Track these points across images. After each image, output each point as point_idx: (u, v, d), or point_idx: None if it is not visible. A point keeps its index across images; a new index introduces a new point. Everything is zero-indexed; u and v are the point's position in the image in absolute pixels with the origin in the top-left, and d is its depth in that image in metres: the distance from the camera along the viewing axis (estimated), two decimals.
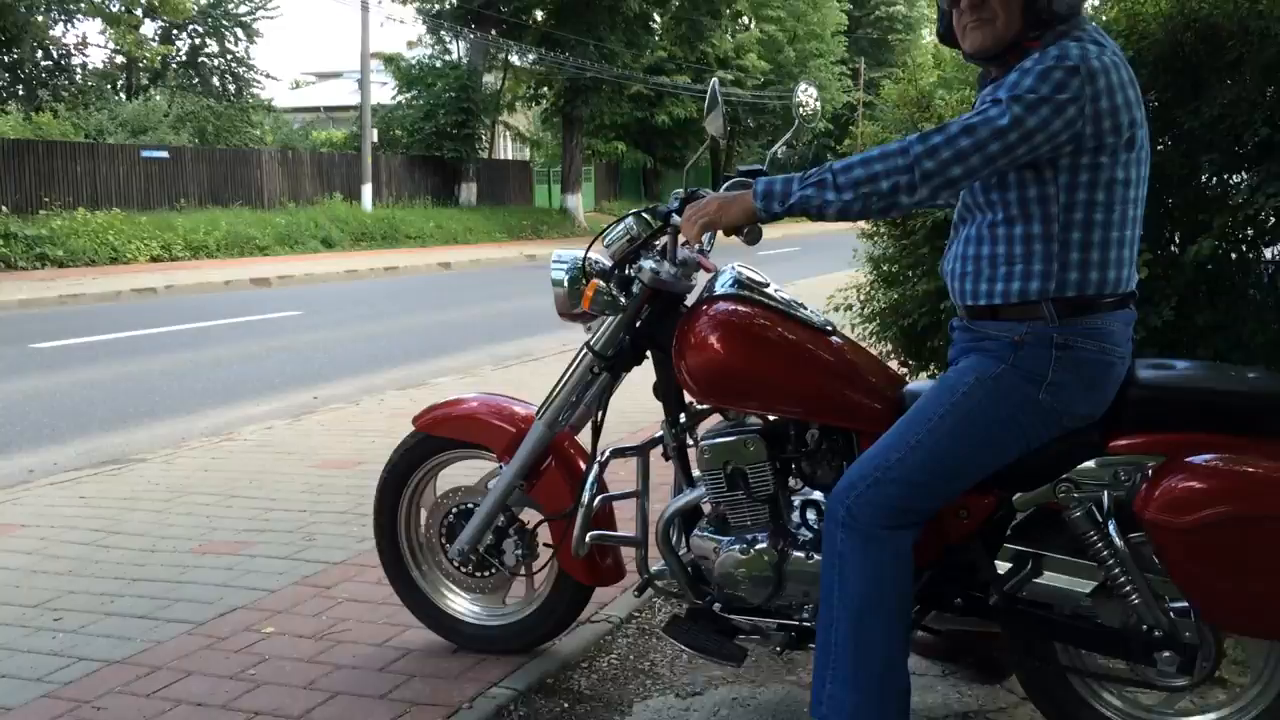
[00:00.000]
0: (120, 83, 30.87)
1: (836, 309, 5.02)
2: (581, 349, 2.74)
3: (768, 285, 2.58)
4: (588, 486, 2.73)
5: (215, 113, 28.00)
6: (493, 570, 2.97)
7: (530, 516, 2.96)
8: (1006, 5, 2.13)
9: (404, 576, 3.14)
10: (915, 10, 47.87)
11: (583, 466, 2.81)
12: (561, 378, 2.78)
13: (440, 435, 3.03)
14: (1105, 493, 2.20)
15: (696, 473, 2.60)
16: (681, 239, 2.51)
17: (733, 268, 2.63)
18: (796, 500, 2.57)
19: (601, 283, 2.60)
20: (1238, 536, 2.02)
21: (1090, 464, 2.22)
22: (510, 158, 37.68)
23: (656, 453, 2.75)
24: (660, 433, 2.70)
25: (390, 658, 3.05)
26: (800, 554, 2.46)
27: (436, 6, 29.43)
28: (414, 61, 30.06)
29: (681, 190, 2.59)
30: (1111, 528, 2.18)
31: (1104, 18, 4.17)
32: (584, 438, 2.89)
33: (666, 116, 32.53)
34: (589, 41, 28.85)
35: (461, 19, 28.85)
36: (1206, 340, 3.86)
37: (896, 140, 2.18)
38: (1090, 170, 2.10)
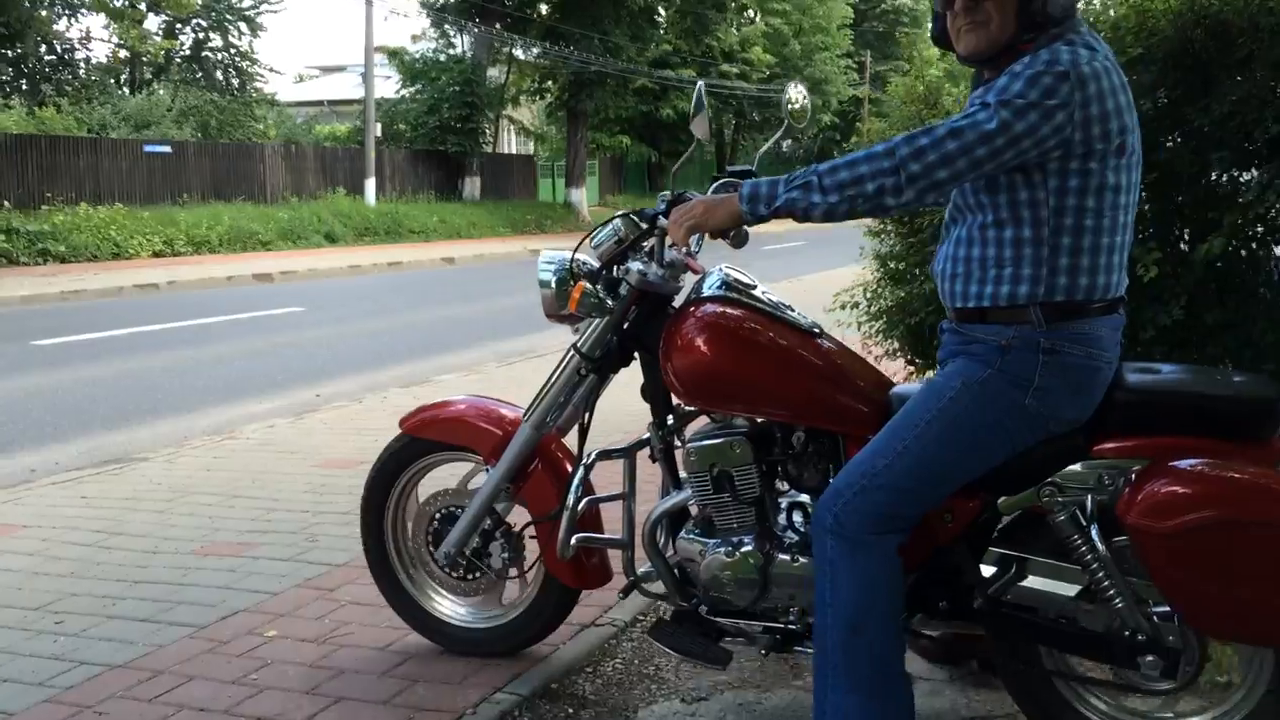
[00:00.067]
0: (124, 77, 30.87)
1: (843, 307, 4.98)
2: (569, 351, 2.74)
3: (755, 287, 2.58)
4: (573, 489, 2.72)
5: (218, 107, 27.99)
6: (479, 573, 2.96)
7: (517, 519, 2.95)
8: (1001, 8, 2.12)
9: (391, 579, 3.14)
10: (921, 3, 47.75)
11: (569, 469, 2.81)
12: (548, 380, 2.78)
13: (427, 438, 3.02)
14: (1089, 496, 2.20)
15: (683, 475, 2.59)
16: (669, 241, 2.49)
17: (720, 269, 2.62)
18: (783, 503, 2.57)
19: (588, 285, 2.59)
20: (1220, 541, 2.01)
21: (1075, 468, 2.21)
22: (514, 152, 37.63)
23: (644, 455, 2.74)
24: (647, 435, 2.69)
25: (393, 662, 3.03)
26: (786, 557, 2.46)
27: (441, 0, 29.36)
28: (418, 55, 30.02)
29: (669, 193, 2.58)
30: (1094, 532, 2.18)
31: (1112, 13, 4.13)
32: (572, 440, 2.87)
33: (671, 110, 32.47)
34: (593, 35, 28.78)
35: (466, 12, 28.78)
36: (1216, 339, 3.83)
37: (882, 142, 2.16)
38: (1080, 175, 2.08)
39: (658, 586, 2.67)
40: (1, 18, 21.17)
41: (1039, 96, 2.02)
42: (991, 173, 2.09)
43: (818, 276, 13.56)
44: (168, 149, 22.18)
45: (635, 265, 2.58)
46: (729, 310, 2.49)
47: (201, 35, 31.62)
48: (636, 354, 2.68)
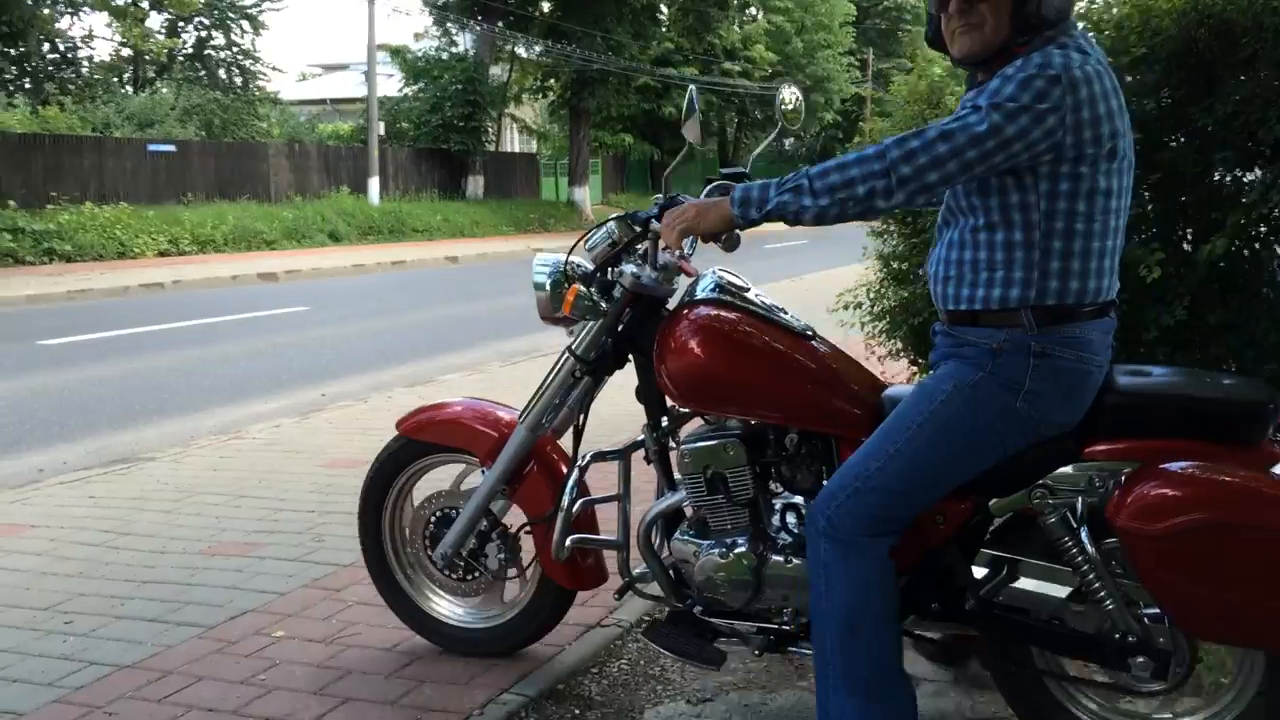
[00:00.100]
0: (127, 75, 30.90)
1: (846, 307, 4.99)
2: (563, 353, 2.75)
3: (748, 289, 2.59)
4: (567, 491, 2.74)
5: (222, 105, 28.00)
6: (476, 574, 2.98)
7: (514, 520, 2.97)
8: (995, 10, 2.13)
9: (388, 579, 3.16)
10: (924, 1, 47.71)
11: (565, 470, 2.82)
12: (543, 382, 2.80)
13: (423, 439, 3.04)
14: (1080, 499, 2.21)
15: (678, 476, 2.60)
16: (662, 244, 2.51)
17: (713, 272, 2.64)
18: (777, 504, 2.58)
19: (582, 287, 2.61)
20: (1209, 544, 2.02)
21: (1066, 470, 2.22)
22: (517, 150, 37.62)
23: (639, 456, 2.76)
24: (642, 436, 2.71)
25: (400, 663, 3.05)
26: (779, 558, 2.47)
27: None
28: (420, 54, 30.00)
29: (661, 196, 2.60)
30: (1084, 534, 2.19)
31: (1115, 11, 4.13)
32: (567, 442, 2.89)
33: (674, 108, 32.33)
34: (596, 33, 28.76)
35: (468, 11, 28.77)
36: (1219, 339, 3.83)
37: (873, 145, 2.17)
38: (1071, 179, 2.09)
39: (653, 588, 2.70)
40: (4, 16, 21.19)
41: (1030, 100, 2.02)
42: (982, 175, 2.09)
43: (820, 275, 13.57)
44: (172, 148, 22.20)
45: (629, 268, 2.60)
46: (722, 313, 2.51)
47: (204, 33, 31.65)
48: (631, 356, 2.70)
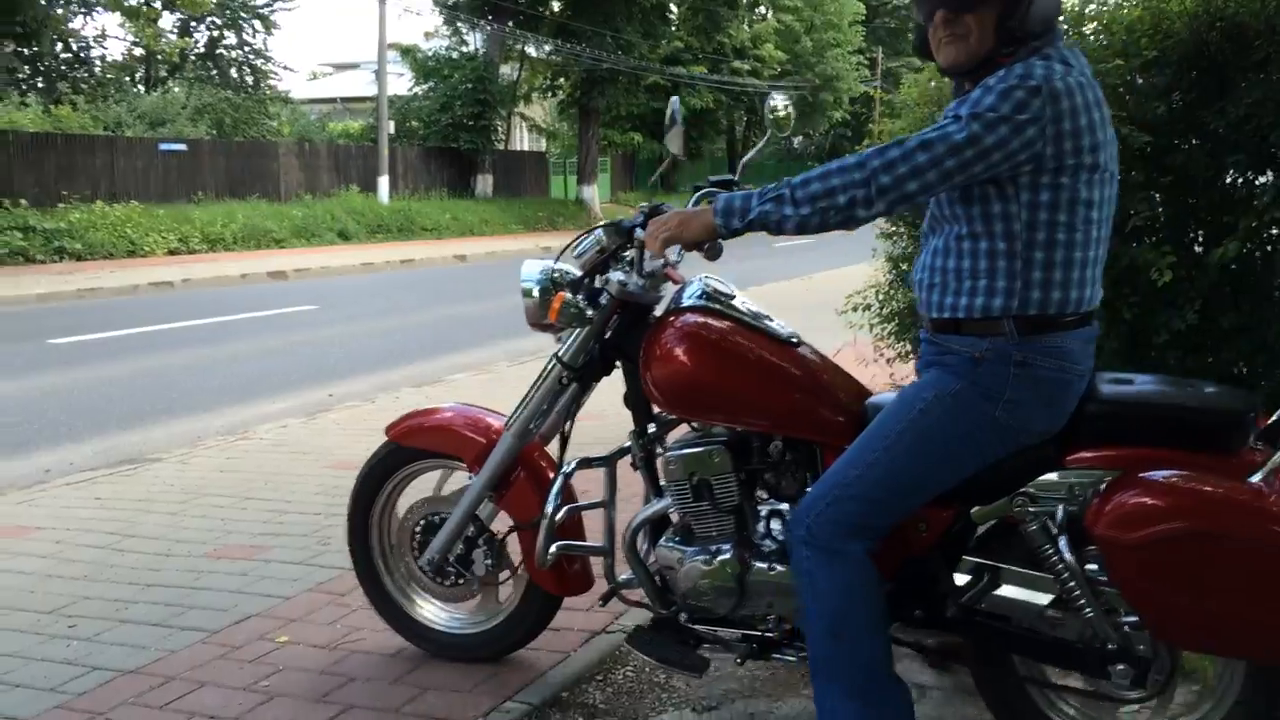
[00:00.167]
0: (139, 75, 31.00)
1: (855, 308, 4.97)
2: (550, 359, 2.75)
3: (734, 297, 2.59)
4: (551, 497, 2.74)
5: (233, 105, 28.06)
6: (463, 580, 2.98)
7: (501, 526, 2.96)
8: (980, 21, 2.13)
9: (377, 584, 3.16)
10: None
11: (552, 476, 2.82)
12: (531, 388, 2.79)
13: (412, 445, 3.04)
14: (1060, 507, 2.21)
15: (664, 483, 2.60)
16: (647, 252, 2.51)
17: (700, 279, 2.64)
18: (762, 511, 2.59)
19: (569, 295, 2.62)
20: (1187, 554, 2.02)
21: (1048, 477, 2.23)
22: (526, 149, 37.64)
23: (625, 463, 2.76)
24: (628, 443, 2.71)
25: (404, 669, 3.03)
26: (763, 565, 2.48)
27: None
28: (431, 53, 30.01)
29: (646, 204, 2.61)
30: (1063, 542, 2.19)
31: (1125, 13, 4.10)
32: (555, 448, 2.88)
33: (683, 107, 32.38)
34: (605, 32, 28.73)
35: (478, 10, 28.78)
36: (1231, 343, 3.81)
37: (853, 155, 2.19)
38: (1052, 190, 2.10)
39: (638, 594, 2.70)
40: (17, 17, 21.25)
41: (1010, 111, 2.03)
42: (962, 184, 2.10)
43: (828, 274, 13.54)
44: (183, 147, 22.24)
45: (616, 275, 2.61)
46: (708, 320, 2.51)
47: (216, 33, 31.74)
48: (619, 363, 2.70)
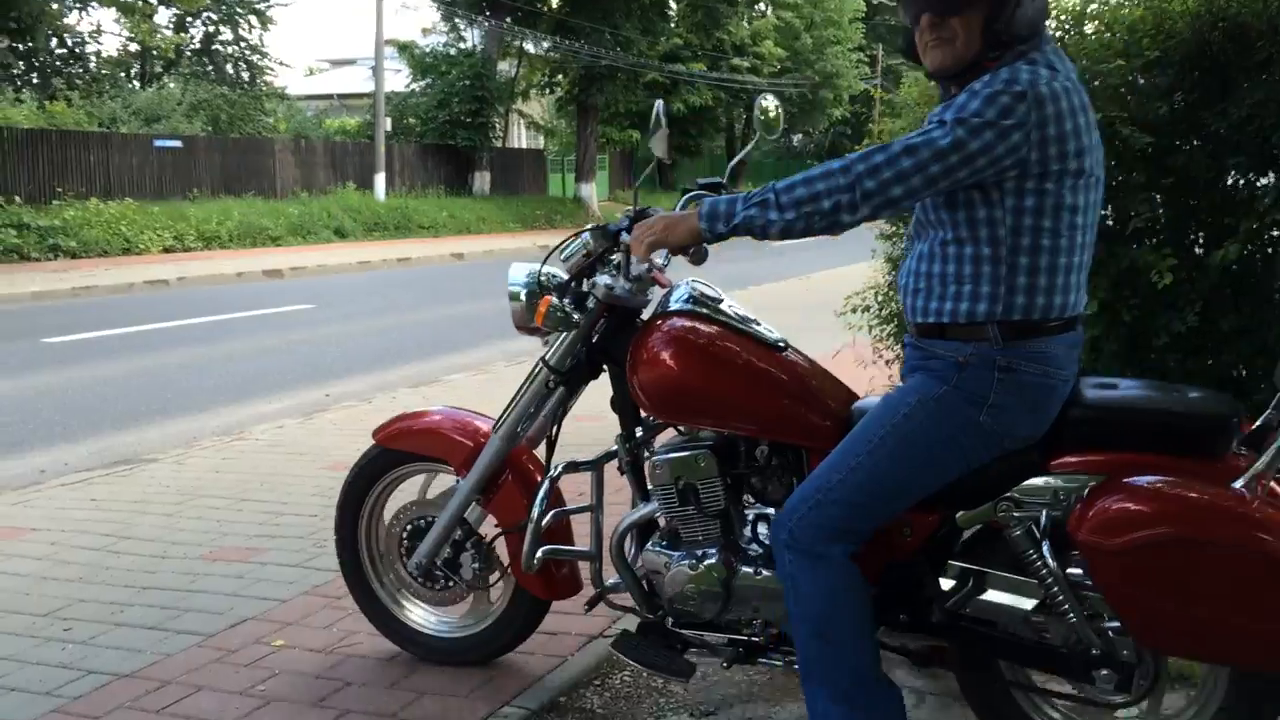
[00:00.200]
0: (134, 70, 30.93)
1: (854, 310, 4.95)
2: (537, 363, 2.74)
3: (721, 301, 2.59)
4: (537, 502, 2.73)
5: (229, 101, 28.00)
6: (450, 583, 2.97)
7: (490, 529, 2.95)
8: (966, 25, 2.13)
9: (364, 587, 3.15)
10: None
11: (539, 480, 2.81)
12: (518, 391, 2.79)
13: (399, 449, 3.03)
14: (1044, 512, 2.21)
15: (650, 487, 2.60)
16: (633, 256, 2.50)
17: (687, 283, 2.64)
18: (749, 515, 2.59)
19: (555, 299, 2.61)
20: (1169, 559, 2.02)
21: (1033, 482, 2.23)
22: (524, 146, 37.59)
23: (612, 466, 2.75)
24: (615, 447, 2.70)
25: (401, 673, 3.02)
26: (749, 569, 2.48)
27: None
28: (428, 49, 29.98)
29: (631, 208, 2.60)
30: (1045, 547, 2.19)
31: (1127, 13, 4.08)
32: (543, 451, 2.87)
33: (682, 105, 32.35)
34: (604, 29, 28.70)
35: (476, 6, 28.74)
36: (1231, 345, 3.80)
37: (838, 159, 2.18)
38: (1036, 195, 2.09)
39: (624, 598, 2.70)
40: (12, 12, 21.20)
41: (995, 116, 2.03)
42: (947, 189, 2.10)
43: (828, 274, 13.53)
44: (178, 144, 22.19)
45: (602, 279, 2.60)
46: (694, 324, 2.51)
47: (212, 29, 31.68)
48: (606, 366, 2.70)
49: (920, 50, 2.23)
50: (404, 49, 29.87)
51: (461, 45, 30.03)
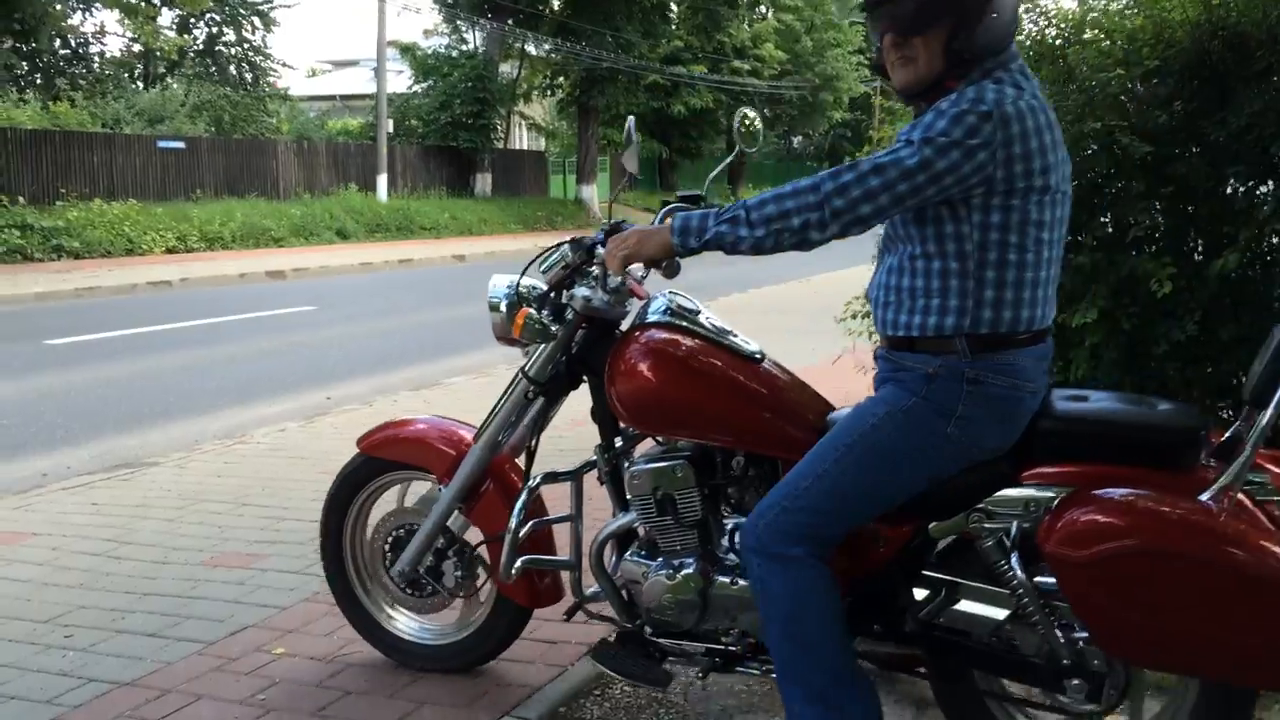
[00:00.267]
0: (138, 71, 30.95)
1: (854, 316, 4.95)
2: (517, 374, 2.76)
3: (699, 313, 2.61)
4: (515, 513, 2.74)
5: (231, 102, 28.03)
6: (433, 591, 2.98)
7: (476, 537, 2.96)
8: (927, 45, 2.16)
9: (349, 595, 3.16)
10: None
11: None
12: (498, 401, 2.80)
13: (381, 457, 3.05)
14: (1015, 523, 2.22)
15: (629, 497, 2.62)
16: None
17: (665, 295, 2.66)
18: (727, 525, 2.60)
19: (533, 311, 2.64)
20: (1135, 571, 2.03)
21: (1006, 493, 2.24)
22: (525, 148, 37.60)
23: (591, 476, 2.77)
24: (594, 457, 2.72)
25: (401, 683, 3.02)
26: (726, 579, 2.50)
27: None
28: (430, 51, 29.99)
29: (607, 221, 2.63)
30: (1014, 559, 2.21)
31: (1128, 24, 4.09)
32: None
33: (683, 107, 32.34)
34: (605, 31, 28.70)
35: (478, 8, 28.75)
36: (1230, 354, 3.80)
37: (809, 177, 2.21)
38: (1002, 211, 2.12)
39: (604, 608, 2.72)
40: (15, 14, 21.20)
41: (962, 135, 2.06)
42: (915, 207, 2.13)
43: (827, 277, 13.53)
44: (181, 145, 22.22)
45: (581, 291, 2.62)
46: (671, 336, 2.53)
47: (215, 30, 31.70)
48: (585, 377, 2.72)
49: (888, 68, 2.26)
50: (406, 50, 29.88)
51: (463, 47, 30.05)
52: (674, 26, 33.22)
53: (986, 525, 2.23)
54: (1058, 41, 4.14)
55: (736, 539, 2.57)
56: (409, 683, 3.02)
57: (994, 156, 2.06)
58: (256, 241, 20.53)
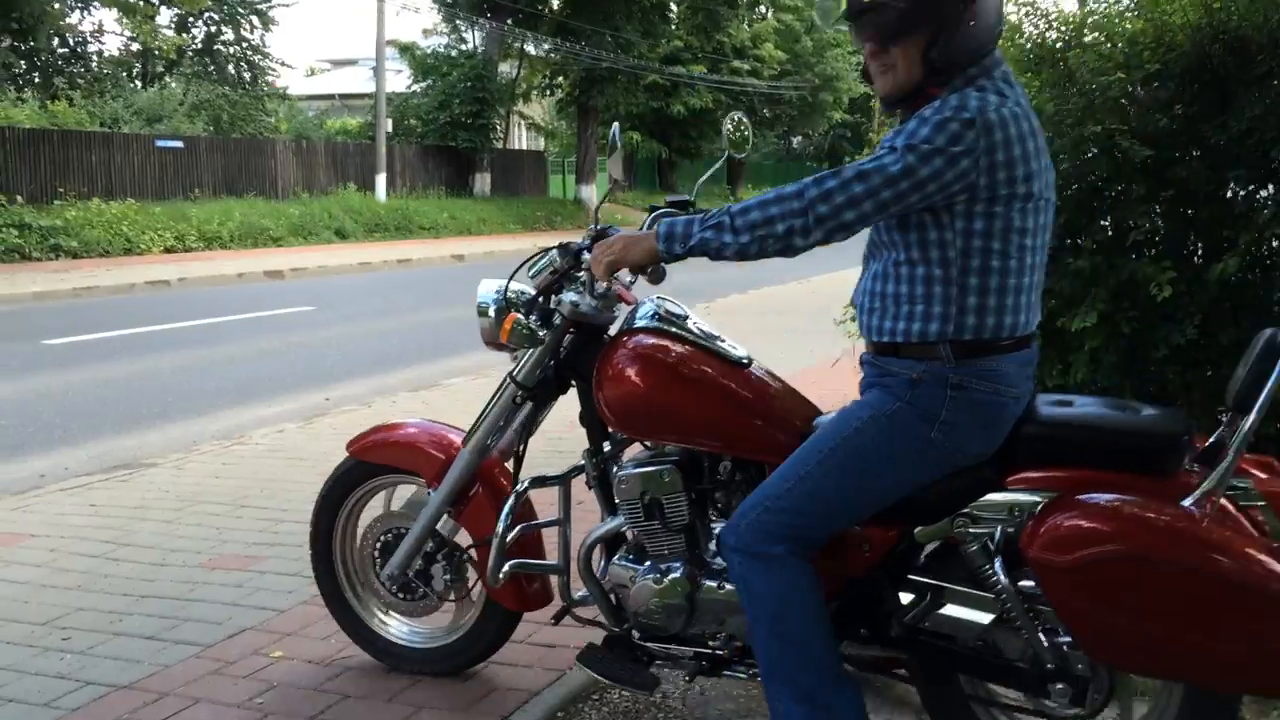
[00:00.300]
0: (136, 70, 30.94)
1: (853, 318, 4.95)
2: (505, 378, 2.76)
3: (687, 318, 2.63)
4: (502, 518, 2.74)
5: (230, 101, 27.99)
6: (423, 594, 2.98)
7: (467, 541, 2.97)
8: (905, 54, 2.18)
9: (339, 599, 3.17)
10: None
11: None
12: (486, 405, 2.80)
13: (371, 461, 3.05)
14: (999, 528, 2.23)
15: (618, 501, 2.62)
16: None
17: (653, 300, 2.67)
18: (715, 529, 2.60)
19: (520, 316, 2.64)
20: (1117, 577, 2.03)
21: (991, 498, 2.25)
22: (525, 148, 37.60)
23: (579, 481, 2.78)
24: (583, 461, 2.73)
25: (399, 686, 3.02)
26: (713, 583, 2.51)
27: None
28: (429, 50, 29.98)
29: (593, 227, 2.64)
30: (998, 563, 2.21)
31: (1129, 27, 4.08)
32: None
33: (682, 107, 32.35)
34: (605, 31, 28.70)
35: (477, 8, 28.74)
36: (1230, 359, 3.78)
37: (794, 183, 2.22)
38: (985, 218, 2.13)
39: (592, 612, 2.73)
40: (14, 13, 21.19)
41: (945, 142, 2.07)
42: (898, 214, 2.15)
43: (827, 278, 13.53)
44: (180, 144, 22.20)
45: (569, 296, 2.63)
46: (659, 341, 2.54)
47: (214, 29, 31.69)
48: (574, 382, 2.72)
49: (872, 75, 2.28)
50: (405, 50, 29.87)
51: (462, 47, 30.04)
52: (674, 26, 33.24)
53: (971, 530, 2.25)
54: (1058, 45, 4.14)
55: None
56: (407, 687, 3.02)
57: (977, 163, 2.08)
58: (255, 241, 20.51)
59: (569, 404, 2.84)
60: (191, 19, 30.95)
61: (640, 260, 2.33)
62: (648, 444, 2.62)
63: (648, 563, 2.56)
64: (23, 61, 26.76)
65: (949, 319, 2.17)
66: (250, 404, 7.37)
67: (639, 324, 2.58)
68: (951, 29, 2.13)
